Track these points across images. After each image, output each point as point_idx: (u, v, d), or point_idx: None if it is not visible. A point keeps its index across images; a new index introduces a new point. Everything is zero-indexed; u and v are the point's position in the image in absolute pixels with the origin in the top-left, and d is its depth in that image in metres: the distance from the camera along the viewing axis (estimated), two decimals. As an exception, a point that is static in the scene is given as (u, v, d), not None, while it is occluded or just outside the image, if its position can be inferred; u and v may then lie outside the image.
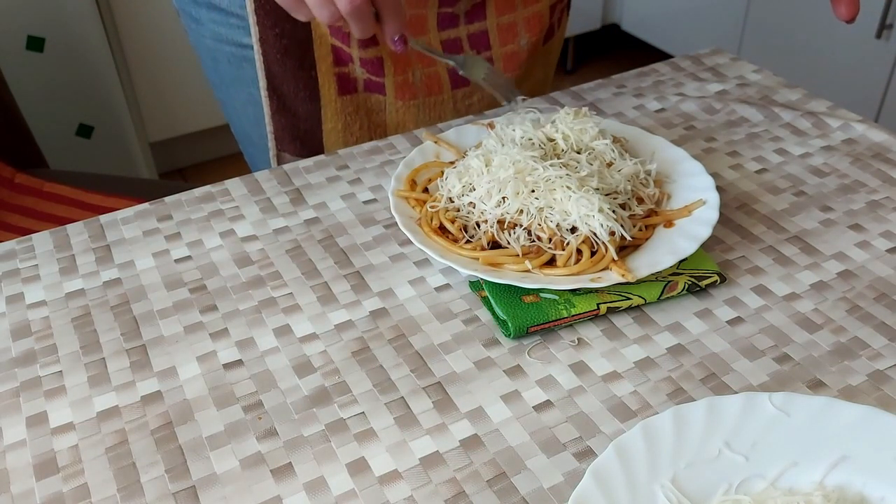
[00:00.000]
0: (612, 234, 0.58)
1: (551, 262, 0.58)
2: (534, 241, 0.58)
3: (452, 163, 0.67)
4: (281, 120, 0.83)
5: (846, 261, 0.62)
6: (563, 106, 0.81)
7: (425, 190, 0.66)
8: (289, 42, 0.79)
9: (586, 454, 0.48)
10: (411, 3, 0.77)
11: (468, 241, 0.59)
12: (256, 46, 0.79)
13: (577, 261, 0.57)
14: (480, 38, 0.82)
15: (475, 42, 0.82)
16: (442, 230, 0.61)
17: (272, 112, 0.83)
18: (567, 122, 0.65)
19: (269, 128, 0.84)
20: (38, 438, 0.50)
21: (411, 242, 0.62)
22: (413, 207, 0.64)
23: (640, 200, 0.62)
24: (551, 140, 0.66)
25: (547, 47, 0.90)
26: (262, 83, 0.81)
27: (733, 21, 2.22)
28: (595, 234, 0.58)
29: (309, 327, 0.57)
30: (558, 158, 0.65)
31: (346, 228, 0.66)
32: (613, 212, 0.59)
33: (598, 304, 0.56)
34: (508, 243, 0.59)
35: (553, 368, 0.53)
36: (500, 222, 0.59)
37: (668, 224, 0.61)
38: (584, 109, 0.68)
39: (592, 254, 0.57)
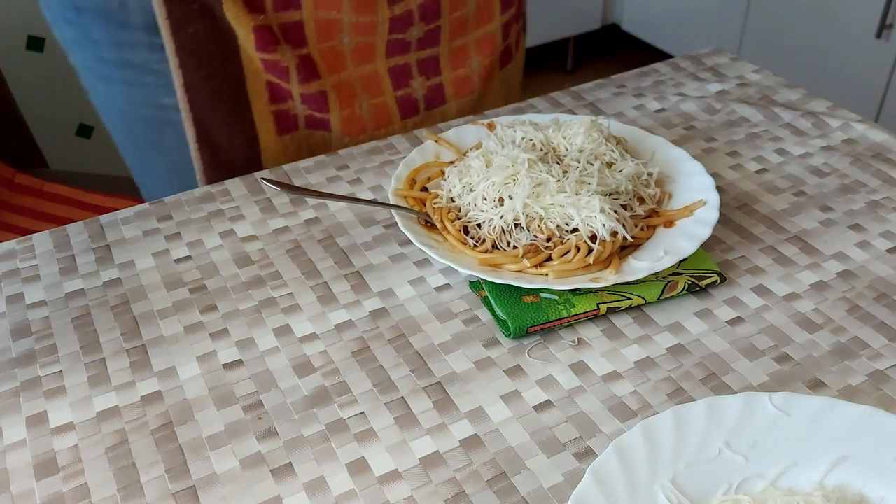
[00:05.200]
0: (615, 234, 0.58)
1: (549, 262, 0.58)
2: (533, 240, 0.58)
3: (452, 162, 0.67)
4: (216, 175, 0.75)
5: (846, 261, 0.62)
6: (562, 105, 0.81)
7: (424, 189, 0.66)
8: (218, 82, 0.70)
9: (586, 454, 0.48)
10: (359, 31, 0.72)
11: (475, 246, 0.59)
12: (181, 93, 0.70)
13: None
14: (430, 63, 0.78)
15: (424, 68, 0.78)
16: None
17: (205, 167, 0.75)
18: (580, 135, 0.65)
19: (201, 185, 0.76)
20: (38, 438, 0.50)
21: (411, 242, 0.62)
22: (412, 207, 0.64)
23: (642, 200, 0.63)
24: (552, 143, 0.66)
25: (506, 72, 0.86)
26: (191, 134, 0.73)
27: (733, 21, 2.22)
28: (595, 233, 0.58)
29: (309, 327, 0.57)
30: (559, 160, 0.65)
31: (346, 228, 0.66)
32: (615, 212, 0.59)
33: (598, 304, 0.56)
34: (509, 244, 0.59)
35: (553, 368, 0.53)
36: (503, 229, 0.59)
37: (669, 224, 0.61)
38: (600, 123, 0.67)
39: (589, 252, 0.57)
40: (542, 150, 0.65)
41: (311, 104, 0.74)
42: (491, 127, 0.71)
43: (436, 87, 0.79)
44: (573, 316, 0.55)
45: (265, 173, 0.72)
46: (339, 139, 0.77)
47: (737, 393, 0.50)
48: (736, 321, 0.57)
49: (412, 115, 0.80)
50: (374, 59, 0.75)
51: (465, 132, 0.71)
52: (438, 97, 0.80)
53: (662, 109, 0.81)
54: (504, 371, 0.53)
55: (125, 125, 0.78)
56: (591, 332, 0.56)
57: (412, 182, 0.66)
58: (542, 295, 0.57)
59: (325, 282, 0.61)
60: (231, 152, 0.74)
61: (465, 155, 0.68)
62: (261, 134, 0.74)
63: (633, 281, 0.57)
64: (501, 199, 0.60)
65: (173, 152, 0.76)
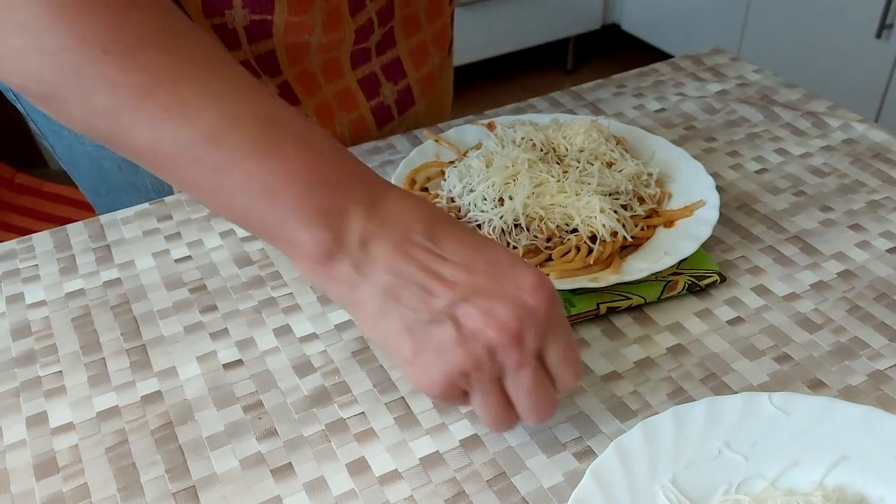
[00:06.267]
0: (615, 234, 0.58)
1: (549, 262, 0.58)
2: (533, 240, 0.58)
3: (452, 162, 0.67)
4: None
5: (846, 261, 0.62)
6: (562, 105, 0.81)
7: (424, 189, 0.66)
8: None
9: (586, 454, 0.48)
10: (326, 49, 0.71)
11: None
12: None
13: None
14: (394, 66, 0.77)
15: (390, 73, 0.77)
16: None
17: None
18: (580, 135, 0.65)
19: None
20: (38, 438, 0.50)
21: (411, 242, 0.62)
22: (413, 207, 0.63)
23: (642, 200, 0.63)
24: (552, 143, 0.66)
25: (450, 58, 0.86)
26: None
27: (733, 21, 2.22)
28: (595, 233, 0.58)
29: (309, 327, 0.57)
30: (559, 160, 0.65)
31: (346, 228, 0.66)
32: (615, 212, 0.59)
33: (597, 304, 0.56)
34: (508, 244, 0.59)
35: (553, 368, 0.53)
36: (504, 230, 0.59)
37: (669, 224, 0.61)
38: (599, 123, 0.67)
39: (590, 253, 0.57)
40: (542, 150, 0.65)
41: None
42: (491, 127, 0.71)
43: (404, 90, 0.79)
44: (573, 316, 0.55)
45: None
46: None
47: (737, 393, 0.50)
48: (736, 321, 0.57)
49: (387, 122, 0.79)
50: (343, 73, 0.74)
51: (465, 132, 0.71)
52: (408, 99, 0.80)
53: (662, 109, 0.81)
54: (504, 371, 0.53)
55: (95, 169, 0.76)
56: (591, 332, 0.56)
57: (412, 182, 0.66)
58: (542, 295, 0.57)
59: (325, 282, 0.61)
60: None
61: (465, 155, 0.68)
62: None
63: (633, 281, 0.57)
64: (501, 200, 0.60)
65: (151, 192, 0.75)
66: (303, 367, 0.54)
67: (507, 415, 0.45)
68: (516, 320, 0.42)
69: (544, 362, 0.44)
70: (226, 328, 0.57)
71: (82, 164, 0.77)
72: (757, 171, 0.72)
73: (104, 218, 0.68)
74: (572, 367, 0.45)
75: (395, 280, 0.43)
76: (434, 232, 0.44)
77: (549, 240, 0.58)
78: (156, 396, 0.52)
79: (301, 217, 0.43)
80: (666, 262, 0.57)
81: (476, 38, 2.43)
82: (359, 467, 0.47)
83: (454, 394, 0.44)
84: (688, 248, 0.58)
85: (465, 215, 0.61)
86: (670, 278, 0.58)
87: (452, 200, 0.62)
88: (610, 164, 0.64)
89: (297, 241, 0.43)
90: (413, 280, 0.42)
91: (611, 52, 2.85)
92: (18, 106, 0.75)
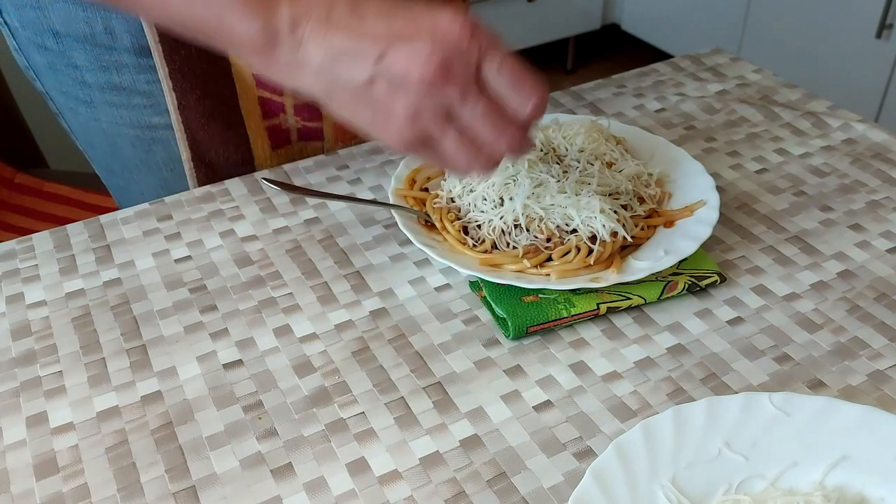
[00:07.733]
0: (615, 234, 0.58)
1: (549, 262, 0.58)
2: (533, 240, 0.58)
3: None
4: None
5: (846, 261, 0.62)
6: (562, 105, 0.81)
7: (424, 189, 0.66)
8: (212, 102, 0.70)
9: (586, 454, 0.48)
10: None
11: (474, 246, 0.59)
12: (175, 115, 0.70)
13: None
14: None
15: None
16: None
17: (199, 185, 0.74)
18: (581, 136, 0.65)
19: None
20: (38, 438, 0.50)
21: (411, 242, 0.62)
22: (412, 207, 0.64)
23: (642, 200, 0.63)
24: (552, 143, 0.66)
25: None
26: (186, 154, 0.72)
27: (733, 21, 2.22)
28: (595, 233, 0.58)
29: (309, 327, 0.57)
30: (560, 160, 0.65)
31: (346, 228, 0.66)
32: (615, 212, 0.59)
33: (597, 304, 0.56)
34: (508, 244, 0.59)
35: (553, 368, 0.53)
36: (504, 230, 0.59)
37: (669, 224, 0.61)
38: (599, 123, 0.67)
39: (590, 253, 0.57)
40: (542, 150, 0.65)
41: (304, 115, 0.74)
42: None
43: None
44: (573, 316, 0.55)
45: (265, 173, 0.72)
46: (332, 147, 0.77)
47: (737, 393, 0.50)
48: (736, 321, 0.57)
49: None
50: None
51: (465, 132, 0.71)
52: None
53: (662, 109, 0.81)
54: (504, 371, 0.53)
55: (110, 147, 0.76)
56: (591, 332, 0.56)
57: (412, 182, 0.66)
58: (542, 295, 0.57)
59: (325, 282, 0.61)
60: (227, 170, 0.74)
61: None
62: (255, 150, 0.74)
63: (634, 281, 0.57)
64: (501, 200, 0.60)
65: (164, 170, 0.75)
66: (303, 367, 0.54)
67: (478, 151, 0.46)
68: (438, 52, 0.42)
69: (490, 89, 0.44)
70: (226, 328, 0.57)
71: (97, 141, 0.77)
72: (757, 171, 0.72)
73: (104, 218, 0.68)
74: (523, 83, 0.45)
75: (326, 56, 0.44)
76: (355, 2, 0.45)
77: (549, 240, 0.58)
78: (156, 396, 0.52)
79: (233, 10, 0.45)
80: (666, 261, 0.57)
81: (476, 38, 2.43)
82: (359, 467, 0.47)
83: (421, 143, 0.45)
84: (688, 248, 0.58)
85: (465, 215, 0.61)
86: (670, 278, 0.58)
87: (452, 200, 0.62)
88: (610, 164, 0.64)
89: (235, 35, 0.46)
90: (342, 50, 0.44)
91: (611, 52, 2.85)
92: (37, 84, 0.76)
